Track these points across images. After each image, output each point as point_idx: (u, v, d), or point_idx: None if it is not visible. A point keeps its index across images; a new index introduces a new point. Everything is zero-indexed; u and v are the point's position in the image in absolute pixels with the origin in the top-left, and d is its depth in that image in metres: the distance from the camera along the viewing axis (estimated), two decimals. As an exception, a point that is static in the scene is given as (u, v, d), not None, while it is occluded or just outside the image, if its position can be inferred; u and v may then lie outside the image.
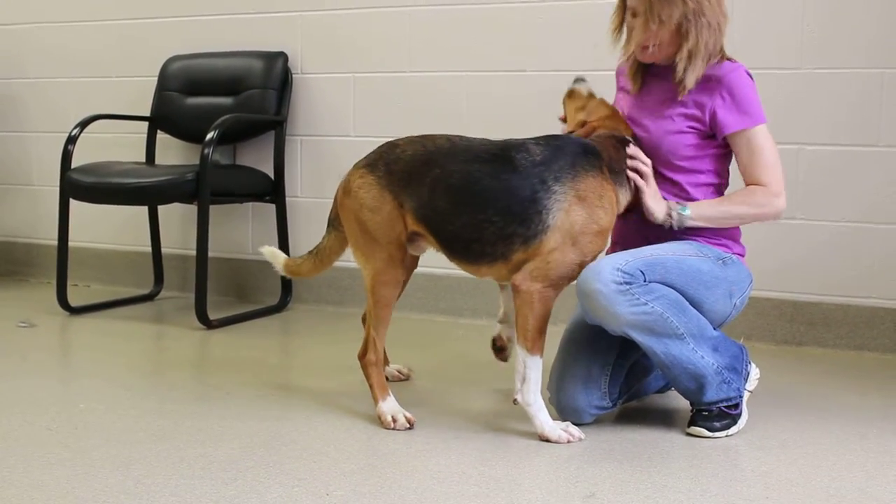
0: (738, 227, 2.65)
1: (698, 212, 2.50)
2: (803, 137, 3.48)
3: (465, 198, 2.43)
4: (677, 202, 2.51)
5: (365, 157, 2.62)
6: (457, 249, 2.50)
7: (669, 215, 2.48)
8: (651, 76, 2.64)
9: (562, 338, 2.65)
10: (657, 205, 2.49)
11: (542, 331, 2.42)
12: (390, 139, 2.63)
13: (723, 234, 2.59)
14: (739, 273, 2.57)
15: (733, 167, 2.61)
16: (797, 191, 3.50)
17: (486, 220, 2.42)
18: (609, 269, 2.34)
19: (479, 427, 2.54)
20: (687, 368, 2.43)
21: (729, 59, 2.57)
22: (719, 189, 2.62)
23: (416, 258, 2.72)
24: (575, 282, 2.42)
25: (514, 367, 2.45)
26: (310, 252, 2.83)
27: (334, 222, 2.74)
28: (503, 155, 2.45)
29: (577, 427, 2.45)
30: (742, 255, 2.63)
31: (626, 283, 2.33)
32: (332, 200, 2.75)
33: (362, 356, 2.62)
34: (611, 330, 2.41)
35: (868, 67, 3.40)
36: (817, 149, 3.48)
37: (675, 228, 2.49)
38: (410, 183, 2.50)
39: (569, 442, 2.41)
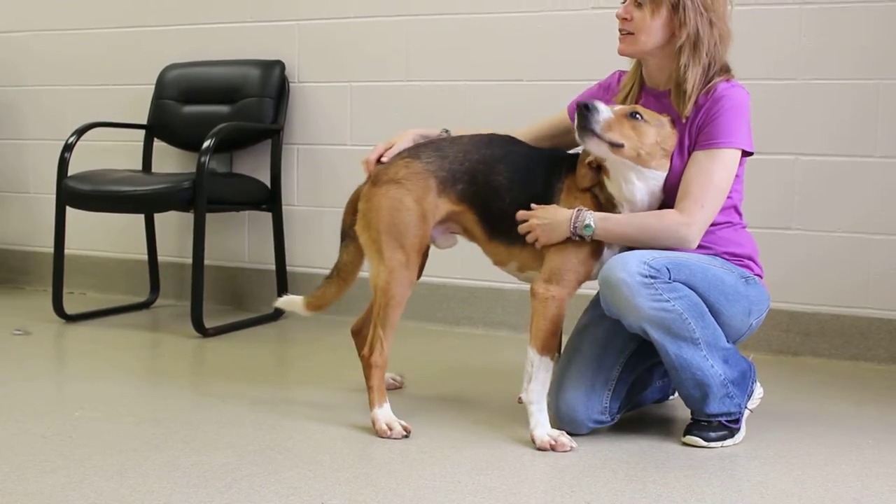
0: (755, 247, 2.62)
1: (602, 226, 2.42)
2: (799, 148, 3.49)
3: (522, 176, 2.55)
4: (584, 217, 2.43)
5: (403, 151, 2.64)
6: (501, 228, 2.56)
7: (573, 232, 2.44)
8: (647, 95, 2.62)
9: (566, 346, 2.65)
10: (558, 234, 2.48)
11: (553, 333, 2.45)
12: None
13: (744, 255, 2.57)
14: (760, 294, 2.56)
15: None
16: (793, 201, 3.51)
17: (531, 198, 2.52)
18: (636, 261, 2.35)
19: (474, 436, 2.54)
20: (695, 374, 2.43)
21: (731, 80, 2.52)
22: (737, 209, 2.59)
23: (424, 263, 2.74)
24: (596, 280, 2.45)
25: (524, 367, 2.46)
26: (328, 277, 2.80)
27: (349, 232, 2.72)
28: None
29: (569, 437, 2.44)
30: (761, 277, 2.62)
31: (651, 277, 2.33)
32: (345, 209, 2.75)
33: (368, 356, 2.58)
34: (628, 323, 2.41)
35: (864, 78, 3.41)
36: (813, 159, 3.48)
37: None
38: (465, 161, 2.57)
39: (552, 449, 2.40)
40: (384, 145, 2.69)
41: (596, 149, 2.42)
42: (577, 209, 2.45)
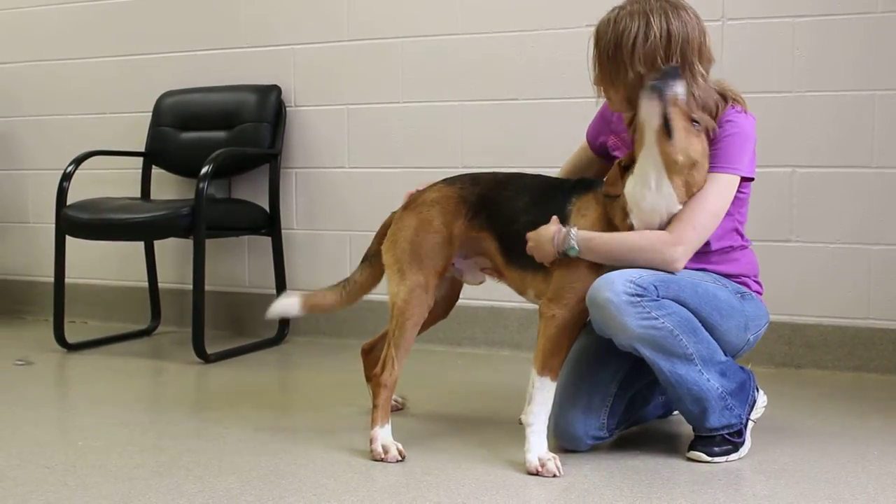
0: (756, 264, 2.62)
1: (586, 246, 2.40)
2: (796, 160, 3.50)
3: (539, 201, 2.55)
4: (567, 240, 2.41)
5: (441, 179, 2.70)
6: (516, 252, 2.56)
7: (558, 251, 2.44)
8: None
9: (564, 364, 2.63)
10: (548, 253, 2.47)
11: (552, 353, 2.42)
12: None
13: (740, 273, 2.56)
14: (758, 310, 2.56)
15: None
16: (791, 213, 3.52)
17: (545, 222, 2.49)
18: (622, 280, 2.33)
19: (478, 457, 2.53)
20: (691, 390, 2.42)
21: (738, 106, 2.47)
22: (738, 230, 2.58)
23: (458, 295, 2.80)
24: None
25: (527, 387, 2.45)
26: (334, 285, 2.80)
27: (372, 258, 2.76)
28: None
29: (558, 465, 2.38)
30: (760, 294, 2.61)
31: (638, 296, 2.31)
32: (376, 235, 2.76)
33: (379, 374, 2.57)
34: (619, 343, 2.40)
35: (858, 89, 3.42)
36: (810, 171, 3.49)
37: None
38: (494, 189, 2.61)
39: (538, 474, 2.36)
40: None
41: (647, 111, 2.31)
42: (560, 228, 2.42)
